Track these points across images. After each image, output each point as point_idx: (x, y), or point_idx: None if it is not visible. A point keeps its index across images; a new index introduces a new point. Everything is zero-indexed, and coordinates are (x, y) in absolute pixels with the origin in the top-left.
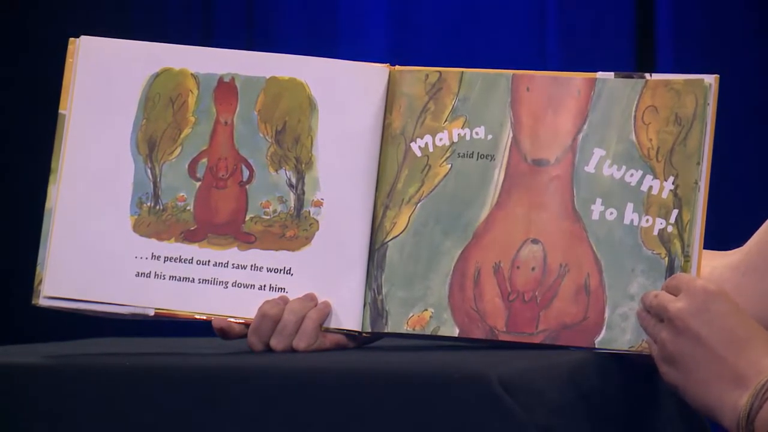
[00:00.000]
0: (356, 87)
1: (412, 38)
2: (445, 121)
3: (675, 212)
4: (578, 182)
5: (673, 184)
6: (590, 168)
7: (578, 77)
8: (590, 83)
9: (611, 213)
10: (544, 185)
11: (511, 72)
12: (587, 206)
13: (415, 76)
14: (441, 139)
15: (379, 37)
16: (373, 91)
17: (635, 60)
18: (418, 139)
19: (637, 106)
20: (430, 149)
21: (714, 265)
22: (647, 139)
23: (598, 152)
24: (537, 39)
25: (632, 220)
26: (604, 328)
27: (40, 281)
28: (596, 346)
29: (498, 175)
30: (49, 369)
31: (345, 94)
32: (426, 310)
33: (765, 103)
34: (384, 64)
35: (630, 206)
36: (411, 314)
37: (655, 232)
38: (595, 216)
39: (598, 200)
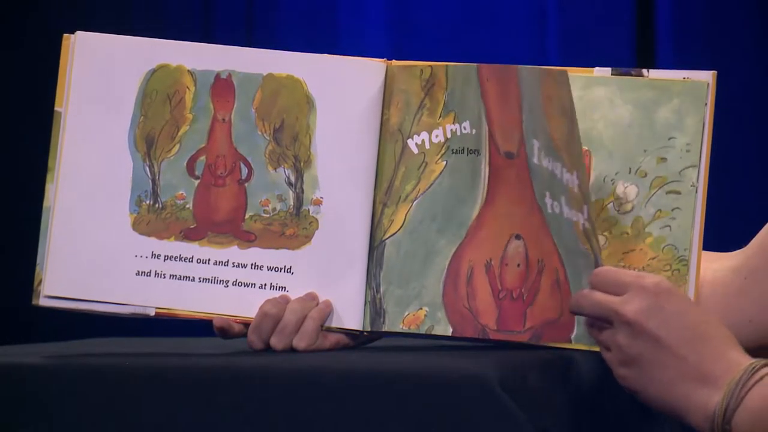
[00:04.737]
0: (354, 83)
1: (412, 38)
2: (440, 117)
3: (585, 207)
4: (533, 174)
5: (577, 178)
6: (535, 159)
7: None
8: (515, 71)
9: (557, 206)
10: (515, 178)
11: (475, 64)
12: (543, 199)
13: (411, 72)
14: (437, 136)
15: (379, 38)
16: (371, 87)
17: (635, 59)
18: (415, 136)
19: (540, 94)
20: (427, 146)
21: (715, 268)
22: (554, 129)
23: (536, 143)
24: (537, 39)
25: (568, 214)
26: (576, 324)
27: (40, 281)
28: (572, 343)
29: (484, 171)
30: (49, 369)
31: (343, 91)
32: (421, 308)
33: (765, 102)
34: (381, 60)
35: (563, 199)
36: (407, 313)
37: (581, 227)
38: (549, 209)
39: (547, 193)
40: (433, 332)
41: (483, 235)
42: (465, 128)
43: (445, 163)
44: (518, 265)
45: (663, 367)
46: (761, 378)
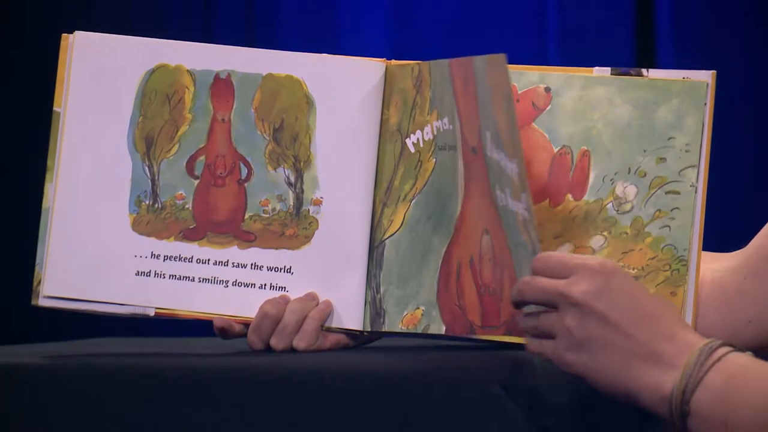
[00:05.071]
0: (353, 83)
1: (412, 38)
2: (428, 114)
3: (524, 196)
4: (488, 167)
5: (517, 166)
6: (488, 151)
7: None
8: (471, 63)
9: (503, 198)
10: (479, 173)
11: (448, 60)
12: (494, 192)
13: (406, 71)
14: (427, 134)
15: (379, 38)
16: (371, 86)
17: (635, 59)
18: (412, 135)
19: (488, 84)
20: (421, 144)
21: (714, 268)
22: (499, 118)
23: (488, 135)
24: (537, 39)
25: (512, 205)
26: None
27: (39, 281)
28: (505, 336)
29: (460, 166)
30: (49, 369)
31: (342, 91)
32: (418, 308)
33: (765, 102)
34: (381, 59)
35: (508, 190)
36: (405, 313)
37: (521, 218)
38: (499, 201)
39: (497, 185)
40: (429, 331)
41: (465, 231)
42: (445, 124)
43: (434, 160)
44: (490, 260)
45: (613, 347)
46: (719, 358)
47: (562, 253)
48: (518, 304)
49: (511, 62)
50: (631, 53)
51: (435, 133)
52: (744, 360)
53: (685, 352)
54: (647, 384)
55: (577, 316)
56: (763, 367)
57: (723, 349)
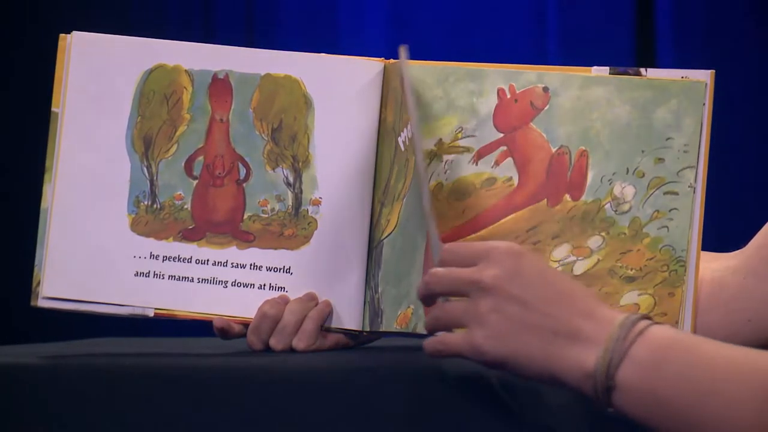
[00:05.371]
0: (352, 83)
1: (412, 38)
2: (405, 112)
3: (424, 190)
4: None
5: (419, 161)
6: (404, 149)
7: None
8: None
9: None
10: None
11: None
12: (416, 189)
13: (396, 70)
14: (408, 130)
15: (378, 38)
16: (369, 86)
17: (635, 59)
18: (402, 133)
19: (401, 82)
20: (407, 142)
21: (714, 268)
22: (407, 114)
23: (404, 134)
24: (537, 39)
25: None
26: None
27: (38, 282)
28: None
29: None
30: (49, 369)
31: (341, 91)
32: (409, 307)
33: (765, 102)
34: (379, 59)
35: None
36: (399, 312)
37: (426, 213)
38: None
39: (414, 181)
40: (417, 330)
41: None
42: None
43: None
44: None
45: (533, 329)
46: (641, 331)
47: (467, 242)
48: (427, 300)
49: (511, 62)
50: (631, 53)
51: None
52: (667, 331)
53: (606, 327)
54: (569, 363)
55: (491, 302)
56: (688, 336)
57: (644, 322)
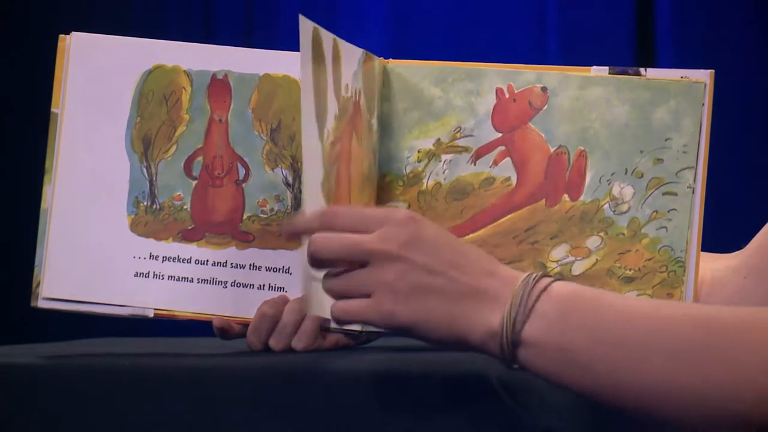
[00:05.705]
0: None
1: (412, 38)
2: None
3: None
4: None
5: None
6: None
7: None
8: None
9: None
10: None
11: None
12: None
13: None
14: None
15: (379, 38)
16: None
17: (635, 59)
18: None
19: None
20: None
21: (714, 268)
22: None
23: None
24: (537, 39)
25: None
26: None
27: (38, 283)
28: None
29: None
30: (49, 369)
31: None
32: None
33: (765, 102)
34: (378, 59)
35: None
36: None
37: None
38: None
39: None
40: None
41: None
42: None
43: None
44: None
45: (438, 293)
46: (545, 287)
47: (353, 206)
48: (315, 263)
49: (510, 62)
50: (631, 53)
51: None
52: (570, 286)
53: (510, 285)
54: (475, 322)
55: (396, 269)
56: (591, 290)
57: (547, 279)
